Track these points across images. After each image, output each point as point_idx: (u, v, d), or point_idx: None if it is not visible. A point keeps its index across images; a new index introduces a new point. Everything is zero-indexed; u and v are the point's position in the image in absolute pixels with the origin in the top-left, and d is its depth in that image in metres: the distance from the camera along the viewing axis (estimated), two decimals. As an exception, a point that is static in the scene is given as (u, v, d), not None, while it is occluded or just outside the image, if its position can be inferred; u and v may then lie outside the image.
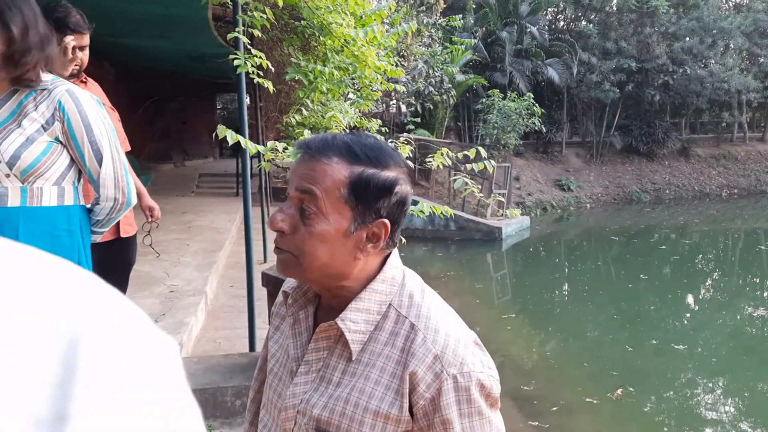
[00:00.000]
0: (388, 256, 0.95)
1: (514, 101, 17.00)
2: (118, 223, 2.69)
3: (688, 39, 23.52)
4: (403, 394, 0.86)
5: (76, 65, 2.46)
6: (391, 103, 14.97)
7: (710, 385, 6.62)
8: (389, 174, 0.88)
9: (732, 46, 25.02)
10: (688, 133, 27.39)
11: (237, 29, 3.11)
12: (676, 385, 6.54)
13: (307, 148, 0.90)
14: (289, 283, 1.04)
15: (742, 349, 7.80)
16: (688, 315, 9.38)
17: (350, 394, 0.88)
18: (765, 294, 10.81)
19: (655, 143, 23.76)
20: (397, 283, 0.93)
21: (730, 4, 28.64)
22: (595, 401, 5.79)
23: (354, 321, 0.90)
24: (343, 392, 0.88)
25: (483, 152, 2.88)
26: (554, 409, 5.56)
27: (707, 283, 11.63)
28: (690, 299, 10.30)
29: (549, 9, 25.61)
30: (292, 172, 0.91)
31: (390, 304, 0.92)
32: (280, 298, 1.07)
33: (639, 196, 22.74)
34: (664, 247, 14.99)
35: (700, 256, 14.23)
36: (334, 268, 0.90)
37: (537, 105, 16.89)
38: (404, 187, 0.90)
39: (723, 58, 24.19)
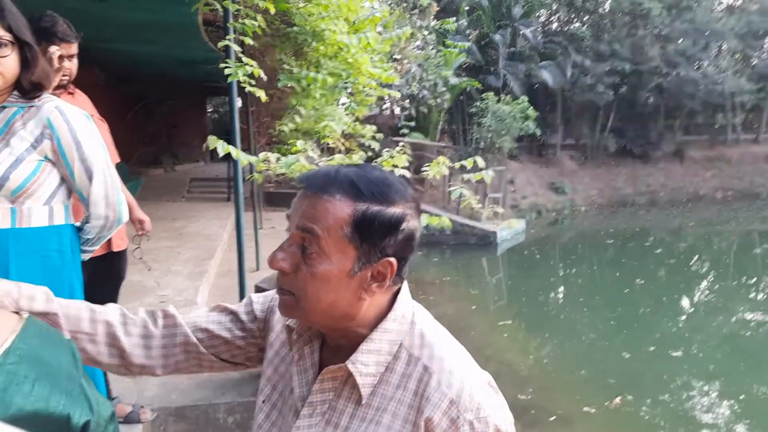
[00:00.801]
0: (397, 292, 0.90)
1: (508, 104, 16.99)
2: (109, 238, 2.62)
3: (681, 41, 23.61)
4: None
5: (64, 75, 2.40)
6: (385, 106, 14.93)
7: (707, 389, 6.59)
8: (395, 210, 0.83)
9: (725, 47, 25.14)
10: (681, 135, 27.46)
11: (228, 37, 3.03)
12: (673, 390, 6.50)
13: (309, 184, 0.85)
14: None
15: (738, 352, 7.78)
16: (684, 319, 9.35)
17: None
18: (760, 297, 10.81)
19: (649, 145, 23.83)
20: (407, 321, 0.89)
21: (723, 6, 28.77)
22: (592, 411, 5.73)
23: (365, 363, 0.85)
24: None
25: (481, 162, 2.82)
26: (552, 419, 5.50)
27: (703, 287, 11.62)
28: (686, 303, 10.28)
29: (542, 11, 25.65)
30: (294, 208, 0.86)
31: (401, 344, 0.87)
32: (282, 324, 1.01)
33: (633, 198, 22.77)
34: (659, 250, 14.98)
35: (696, 259, 14.23)
36: (338, 310, 0.85)
37: (531, 108, 16.89)
38: (412, 223, 0.85)
39: (716, 60, 24.31)
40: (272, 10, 3.30)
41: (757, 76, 24.75)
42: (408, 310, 0.90)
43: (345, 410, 0.86)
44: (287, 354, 0.97)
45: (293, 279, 0.85)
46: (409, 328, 0.88)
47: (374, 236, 0.82)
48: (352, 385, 0.85)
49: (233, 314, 1.06)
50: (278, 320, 1.02)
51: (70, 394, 0.74)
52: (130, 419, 2.85)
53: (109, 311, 1.04)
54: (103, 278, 2.63)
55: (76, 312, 1.00)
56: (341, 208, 0.82)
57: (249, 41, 3.19)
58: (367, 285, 0.84)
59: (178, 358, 1.03)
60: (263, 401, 0.97)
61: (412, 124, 16.12)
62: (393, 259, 0.84)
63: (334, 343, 0.92)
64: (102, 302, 2.72)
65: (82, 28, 2.45)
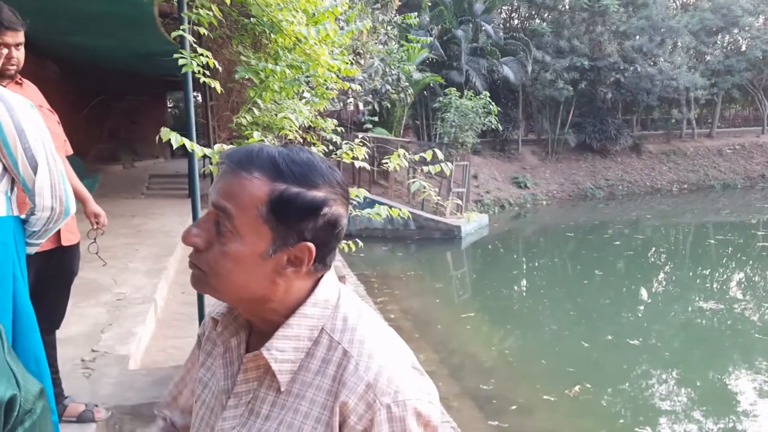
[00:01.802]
0: (321, 277, 0.87)
1: (470, 100, 17.12)
2: (58, 231, 2.54)
3: (638, 37, 24.15)
4: (333, 428, 0.78)
5: (11, 65, 2.31)
6: (348, 101, 14.88)
7: (664, 376, 6.77)
8: (317, 194, 0.80)
9: (680, 44, 25.81)
10: (639, 130, 28.17)
11: (182, 27, 2.97)
12: (632, 378, 6.67)
13: (228, 160, 0.81)
14: (218, 309, 0.95)
15: (693, 340, 8.02)
16: (642, 309, 9.59)
17: (278, 429, 0.81)
18: (715, 286, 11.16)
19: (608, 140, 24.33)
20: (330, 306, 0.85)
21: (678, 4, 29.53)
22: (552, 398, 5.84)
23: (281, 350, 0.82)
24: (272, 426, 0.81)
25: (440, 154, 2.83)
26: (513, 408, 5.59)
27: (659, 277, 11.94)
28: (643, 293, 10.55)
29: (503, 7, 25.95)
30: (213, 184, 0.82)
31: (322, 328, 0.84)
32: (208, 322, 0.97)
33: (593, 192, 23.25)
34: (618, 242, 15.33)
35: (653, 250, 14.60)
36: (249, 292, 0.82)
37: (493, 103, 17.05)
38: (334, 209, 0.81)
39: (672, 56, 24.93)
40: (228, 1, 3.25)
41: (710, 72, 25.51)
42: (332, 294, 0.87)
43: (266, 398, 0.83)
44: (215, 349, 0.94)
45: (205, 256, 0.81)
46: (332, 312, 0.85)
47: (291, 219, 0.79)
48: (273, 372, 0.82)
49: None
50: (208, 324, 0.98)
51: None
52: (83, 418, 2.77)
53: None
54: (52, 273, 2.55)
55: None
56: (258, 187, 0.78)
57: (204, 32, 3.12)
58: (282, 269, 0.81)
59: None
60: (197, 402, 0.94)
61: (376, 119, 16.11)
62: (311, 245, 0.80)
63: (259, 332, 0.88)
64: (51, 298, 2.64)
65: (33, 19, 2.36)
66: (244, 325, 0.91)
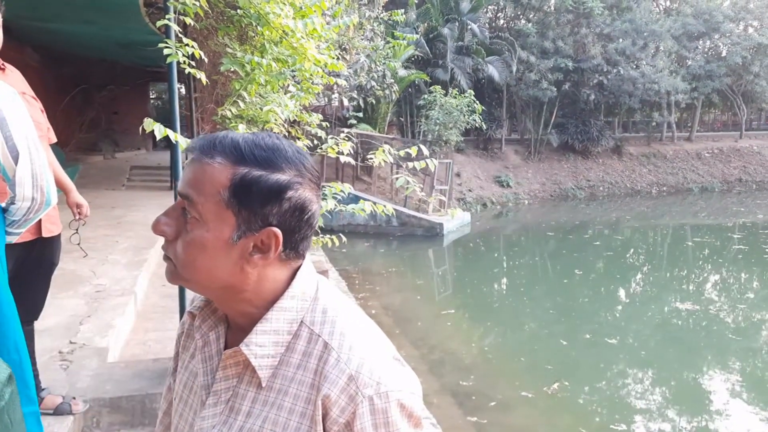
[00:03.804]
0: (298, 269, 0.86)
1: (455, 98, 17.17)
2: (39, 221, 2.50)
3: (621, 40, 24.39)
4: (316, 422, 0.77)
5: None
6: (333, 96, 14.82)
7: (640, 375, 6.86)
8: (280, 177, 0.78)
9: (662, 48, 26.12)
10: (620, 132, 28.50)
11: (167, 16, 2.94)
12: (608, 377, 6.75)
13: (193, 149, 0.81)
14: (196, 303, 0.93)
15: (669, 340, 8.13)
16: (620, 308, 9.72)
17: (262, 426, 0.79)
18: (691, 288, 11.33)
19: (590, 141, 24.57)
20: (309, 298, 0.84)
21: (661, 8, 29.87)
22: (530, 395, 5.89)
23: (260, 345, 0.81)
24: (255, 424, 0.80)
25: (425, 150, 2.84)
26: (492, 404, 5.63)
27: (638, 278, 12.09)
28: (621, 293, 10.68)
29: (489, 7, 26.03)
30: (181, 174, 0.83)
31: (302, 321, 0.83)
32: (186, 318, 0.96)
33: (574, 192, 23.47)
34: (597, 242, 15.49)
35: (631, 251, 14.78)
36: (217, 281, 0.80)
37: (477, 102, 17.12)
38: (300, 193, 0.80)
39: (654, 60, 25.22)
40: (215, -9, 3.22)
41: (691, 77, 25.86)
42: (310, 286, 0.85)
43: (247, 395, 0.82)
44: (191, 344, 0.93)
45: (173, 245, 0.81)
46: (311, 304, 0.84)
47: (253, 203, 0.78)
48: (253, 368, 0.81)
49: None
50: (189, 323, 0.96)
51: None
52: (60, 411, 2.74)
53: None
54: (32, 263, 2.51)
55: None
56: (220, 172, 0.78)
57: (190, 22, 3.10)
58: (249, 255, 0.80)
59: None
60: (175, 399, 0.92)
61: (360, 115, 16.09)
62: (277, 230, 0.79)
63: (236, 326, 0.87)
64: (30, 288, 2.60)
65: (13, 3, 2.31)
66: (223, 318, 0.90)
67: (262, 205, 0.78)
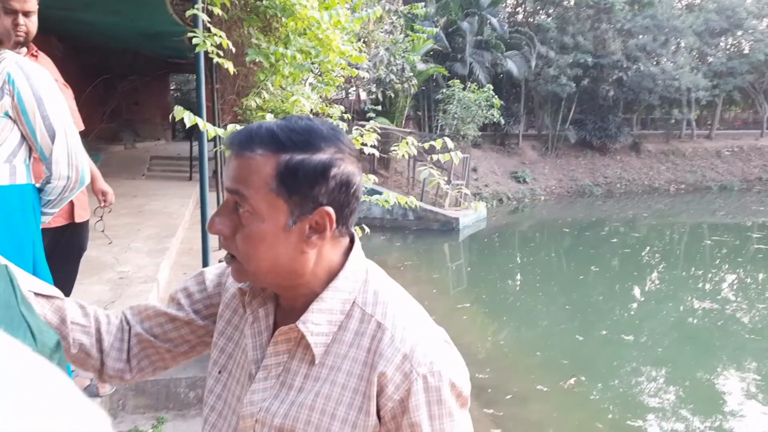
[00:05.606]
0: (350, 249, 0.89)
1: (473, 92, 17.11)
2: (72, 207, 2.56)
3: (642, 36, 24.13)
4: (370, 397, 0.80)
5: (19, 32, 2.26)
6: (351, 90, 14.84)
7: (655, 373, 6.83)
8: (321, 156, 0.80)
9: (683, 44, 25.80)
10: (639, 128, 28.22)
11: (196, 6, 2.98)
12: (623, 374, 6.73)
13: (231, 145, 0.83)
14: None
15: (685, 339, 8.07)
16: (636, 306, 9.66)
17: (315, 400, 0.82)
18: (708, 286, 11.23)
19: (608, 138, 24.36)
20: (360, 279, 0.87)
21: (683, 4, 29.47)
22: (546, 389, 5.90)
23: (316, 323, 0.84)
24: (307, 398, 0.83)
25: (450, 143, 2.85)
26: (508, 397, 5.65)
27: (654, 276, 12.00)
28: (637, 291, 10.61)
29: (509, 1, 25.86)
30: (224, 172, 0.84)
31: (354, 302, 0.86)
32: (233, 291, 0.98)
33: (591, 189, 23.30)
34: (614, 240, 15.39)
35: (648, 249, 14.67)
36: (282, 267, 0.83)
37: (496, 97, 17.04)
38: (343, 168, 0.82)
39: (675, 56, 24.92)
40: (242, -17, 3.26)
41: (713, 74, 25.51)
42: (361, 268, 0.88)
43: (299, 371, 0.85)
44: (240, 320, 0.95)
45: (234, 242, 0.83)
46: (362, 286, 0.87)
47: (302, 186, 0.80)
48: (306, 345, 0.84)
49: (185, 290, 1.04)
50: (228, 290, 0.99)
51: (9, 323, 0.70)
52: (87, 393, 2.82)
53: (87, 307, 1.00)
54: (63, 248, 2.57)
55: (71, 302, 0.98)
56: (264, 163, 0.79)
57: (218, 11, 3.14)
58: (306, 237, 0.82)
59: (152, 358, 1.02)
60: (219, 372, 0.95)
61: (378, 108, 16.11)
62: (329, 208, 0.81)
63: (287, 305, 0.90)
64: (62, 273, 2.66)
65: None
66: (272, 296, 0.93)
67: (310, 187, 0.80)
